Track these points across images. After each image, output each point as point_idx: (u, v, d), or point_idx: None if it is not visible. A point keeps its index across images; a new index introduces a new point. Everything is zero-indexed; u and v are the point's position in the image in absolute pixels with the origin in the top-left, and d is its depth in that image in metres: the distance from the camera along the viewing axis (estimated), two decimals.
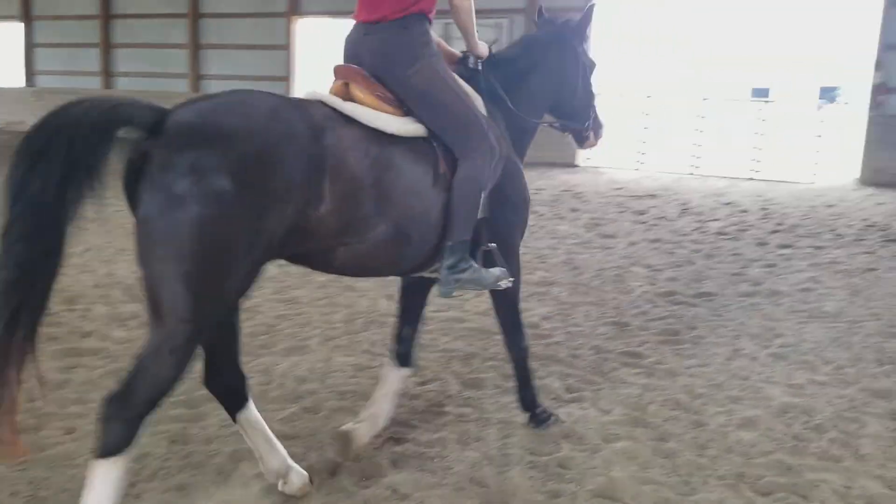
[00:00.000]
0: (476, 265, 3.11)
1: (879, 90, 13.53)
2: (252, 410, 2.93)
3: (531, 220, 9.02)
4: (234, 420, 2.93)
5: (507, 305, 3.55)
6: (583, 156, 15.68)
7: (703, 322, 5.45)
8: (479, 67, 3.42)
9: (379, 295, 6.03)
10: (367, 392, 3.93)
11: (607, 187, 12.85)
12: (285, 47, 18.04)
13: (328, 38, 18.89)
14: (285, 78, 18.14)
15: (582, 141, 3.93)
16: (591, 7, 3.72)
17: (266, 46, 18.31)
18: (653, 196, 11.81)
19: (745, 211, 10.57)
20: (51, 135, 2.21)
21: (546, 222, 9.38)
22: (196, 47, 19.13)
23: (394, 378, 3.55)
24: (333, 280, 6.45)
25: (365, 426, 3.32)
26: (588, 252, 7.78)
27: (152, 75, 19.37)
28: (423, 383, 4.16)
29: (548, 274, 6.84)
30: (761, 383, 4.27)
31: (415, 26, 3.05)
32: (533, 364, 3.79)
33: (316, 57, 18.09)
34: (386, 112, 2.93)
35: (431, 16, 3.13)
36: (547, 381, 4.23)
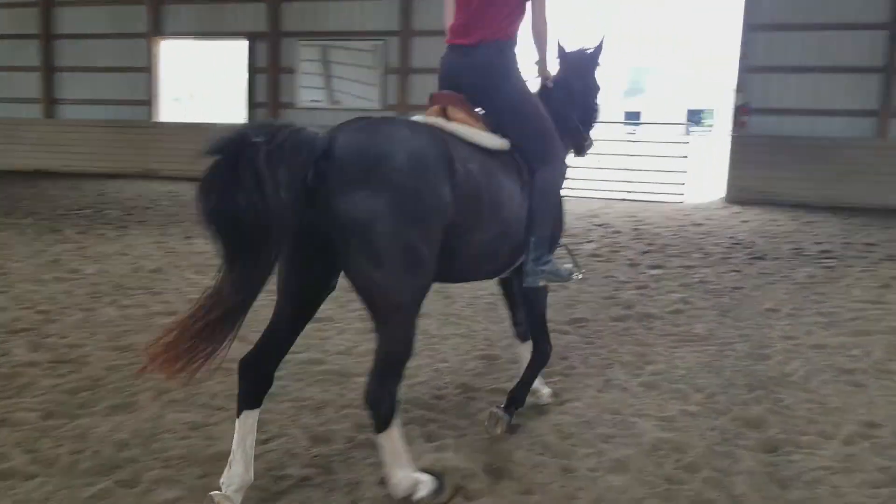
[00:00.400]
0: (554, 258, 3.58)
1: (741, 111, 14.03)
2: (256, 416, 3.03)
3: None
4: (238, 413, 3.00)
5: (537, 308, 3.94)
6: None
7: (574, 351, 5.22)
8: (550, 87, 3.93)
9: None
10: (198, 456, 3.44)
11: None
12: (147, 69, 17.12)
13: (193, 60, 18.19)
14: (147, 102, 17.21)
15: (584, 151, 4.39)
16: (604, 39, 4.13)
17: (127, 69, 17.34)
18: None
19: (617, 232, 10.60)
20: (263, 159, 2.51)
21: None
22: (49, 70, 17.89)
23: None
24: None
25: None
26: None
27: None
28: (265, 441, 3.68)
29: None
30: (633, 417, 4.04)
31: (507, 49, 3.52)
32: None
33: (180, 79, 17.30)
34: (482, 130, 3.34)
35: (517, 40, 3.55)
36: (407, 429, 3.84)
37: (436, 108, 3.40)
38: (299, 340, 3.27)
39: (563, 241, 3.96)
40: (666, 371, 4.78)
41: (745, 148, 13.60)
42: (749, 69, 13.86)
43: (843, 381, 4.53)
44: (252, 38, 16.44)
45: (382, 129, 2.87)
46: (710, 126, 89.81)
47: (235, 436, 2.97)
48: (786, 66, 13.70)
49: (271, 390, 3.11)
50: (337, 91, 16.27)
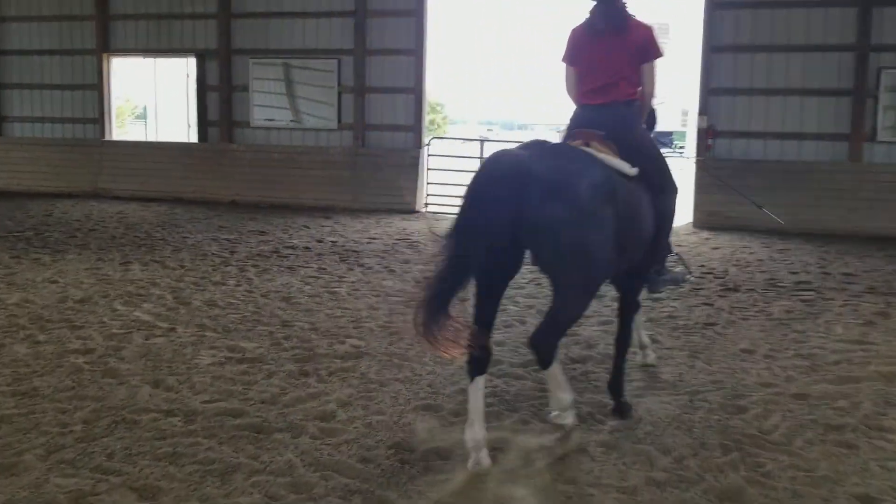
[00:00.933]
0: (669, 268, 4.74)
1: (705, 134, 13.66)
2: (484, 380, 3.84)
3: (355, 276, 7.55)
4: (471, 379, 3.77)
5: (634, 306, 4.72)
6: (421, 202, 15.02)
7: (527, 401, 4.65)
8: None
9: (145, 381, 4.88)
10: None
11: (444, 234, 12.13)
12: (96, 87, 16.38)
13: (142, 78, 17.47)
14: (97, 119, 16.47)
15: None
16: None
17: (75, 86, 16.60)
18: None
19: None
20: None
21: (372, 277, 8.47)
22: None
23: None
24: (95, 361, 5.25)
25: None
26: (411, 313, 6.89)
27: None
28: None
29: (361, 342, 5.89)
30: (590, 488, 3.47)
31: (632, 105, 4.47)
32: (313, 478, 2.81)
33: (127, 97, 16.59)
34: (620, 159, 4.06)
35: (636, 99, 4.51)
36: None
37: (579, 141, 4.20)
38: (221, 385, 4.15)
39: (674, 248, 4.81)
40: (629, 427, 4.22)
41: (712, 171, 13.19)
42: (712, 91, 13.51)
43: (831, 441, 3.99)
44: (202, 55, 15.79)
45: (571, 158, 3.80)
46: (682, 148, 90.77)
47: (470, 399, 3.76)
48: (752, 88, 13.36)
49: (178, 450, 3.52)
50: (292, 110, 15.67)
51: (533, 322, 6.33)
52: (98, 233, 11.37)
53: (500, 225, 3.45)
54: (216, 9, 15.53)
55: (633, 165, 4.05)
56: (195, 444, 3.93)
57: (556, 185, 3.52)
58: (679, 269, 4.64)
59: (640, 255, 4.16)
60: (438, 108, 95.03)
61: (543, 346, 3.76)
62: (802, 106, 13.25)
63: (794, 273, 9.18)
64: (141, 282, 7.92)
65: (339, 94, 15.23)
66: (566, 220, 3.49)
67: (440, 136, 71.10)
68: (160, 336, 5.95)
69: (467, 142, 21.27)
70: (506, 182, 3.45)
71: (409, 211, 14.75)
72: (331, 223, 13.11)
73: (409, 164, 14.95)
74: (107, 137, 16.51)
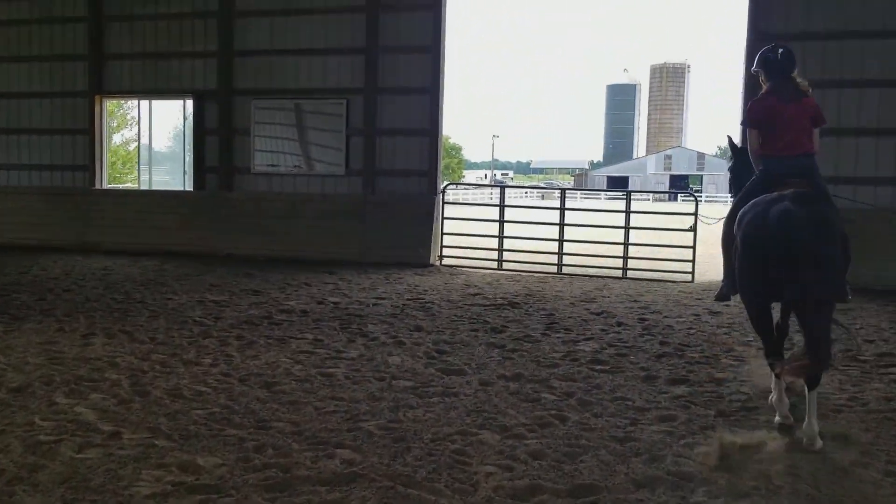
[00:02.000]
0: None
1: None
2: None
3: (356, 350, 7.20)
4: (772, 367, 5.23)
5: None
6: (435, 254, 13.74)
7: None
8: None
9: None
10: None
11: (461, 293, 10.81)
12: (87, 131, 15.30)
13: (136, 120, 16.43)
14: (86, 166, 15.37)
15: None
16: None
17: (65, 130, 15.55)
18: (513, 305, 9.83)
19: (621, 324, 8.72)
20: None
21: (377, 352, 7.13)
22: None
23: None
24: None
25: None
26: (422, 405, 5.53)
27: None
28: None
29: (355, 455, 4.52)
30: None
31: (814, 157, 5.60)
32: None
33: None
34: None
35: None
36: None
37: (791, 190, 5.03)
38: None
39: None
40: None
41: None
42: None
43: None
44: (200, 95, 14.70)
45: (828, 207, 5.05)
46: (698, 191, 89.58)
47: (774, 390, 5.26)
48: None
49: None
50: (296, 154, 14.50)
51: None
52: (71, 294, 10.13)
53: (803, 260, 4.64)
54: (216, 46, 14.50)
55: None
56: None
57: (836, 228, 4.79)
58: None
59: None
60: (453, 153, 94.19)
61: (826, 364, 4.82)
62: (878, 147, 11.92)
63: (869, 341, 7.85)
64: (98, 361, 6.62)
65: (348, 136, 14.10)
66: (839, 254, 4.77)
67: (456, 181, 70.36)
68: (97, 446, 4.60)
69: (481, 187, 20.09)
70: (812, 230, 4.68)
71: (423, 265, 13.47)
72: (334, 280, 11.81)
73: (422, 212, 13.70)
74: (97, 185, 15.39)
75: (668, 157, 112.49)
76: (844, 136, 11.88)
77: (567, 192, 15.22)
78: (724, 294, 5.89)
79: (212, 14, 14.52)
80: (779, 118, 5.57)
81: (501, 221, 13.95)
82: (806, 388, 4.81)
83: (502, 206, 14.31)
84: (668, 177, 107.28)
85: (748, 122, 5.77)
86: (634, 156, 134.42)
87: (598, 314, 9.34)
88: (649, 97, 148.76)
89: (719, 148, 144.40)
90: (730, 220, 5.60)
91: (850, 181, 11.72)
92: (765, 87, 5.77)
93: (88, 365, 6.48)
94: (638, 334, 8.15)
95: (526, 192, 66.01)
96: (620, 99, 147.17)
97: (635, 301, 10.46)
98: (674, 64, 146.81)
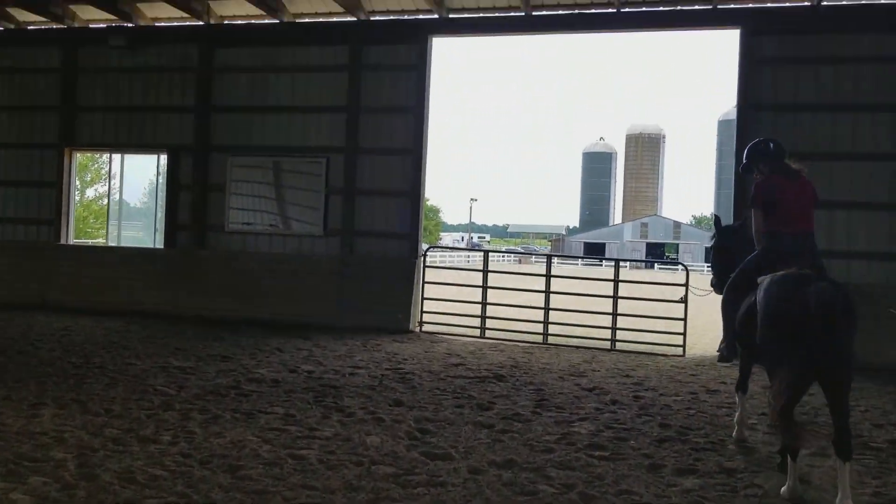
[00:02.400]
0: None
1: None
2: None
3: (330, 428, 6.58)
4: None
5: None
6: (416, 320, 13.18)
7: None
8: None
9: None
10: None
11: (443, 363, 10.23)
12: (54, 184, 14.70)
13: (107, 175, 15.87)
14: (52, 221, 14.71)
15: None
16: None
17: (31, 182, 14.93)
18: (499, 378, 9.25)
19: (616, 402, 8.17)
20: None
21: (353, 430, 6.50)
22: None
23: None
24: None
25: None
26: (406, 497, 4.91)
27: None
28: None
29: None
30: None
31: (814, 234, 6.08)
32: None
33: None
34: None
35: None
36: None
37: (799, 269, 5.35)
38: None
39: None
40: None
41: None
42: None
43: None
44: (176, 150, 14.20)
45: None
46: (674, 259, 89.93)
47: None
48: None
49: None
50: (273, 213, 13.99)
51: None
52: (24, 357, 9.41)
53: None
54: (194, 101, 14.07)
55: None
56: None
57: (851, 306, 4.97)
58: None
59: None
60: (431, 215, 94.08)
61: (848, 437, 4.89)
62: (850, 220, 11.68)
63: (877, 426, 7.41)
64: (45, 436, 5.94)
65: (327, 196, 13.62)
66: (853, 332, 5.04)
67: (433, 243, 70.28)
68: None
69: (461, 251, 19.70)
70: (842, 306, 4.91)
71: (402, 331, 12.88)
72: (309, 345, 11.18)
73: (402, 276, 13.16)
74: (62, 241, 14.72)
75: (645, 224, 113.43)
76: (837, 209, 11.61)
77: (553, 258, 14.77)
78: (724, 357, 6.67)
79: (190, 69, 14.14)
80: (784, 196, 5.98)
81: (485, 287, 13.45)
82: (839, 461, 4.80)
83: (486, 272, 13.83)
84: (644, 244, 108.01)
85: (758, 203, 6.04)
86: (611, 223, 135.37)
87: (589, 390, 8.79)
88: (625, 165, 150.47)
89: (694, 217, 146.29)
90: (731, 290, 6.21)
91: (845, 255, 11.43)
92: (765, 172, 6.24)
93: (33, 441, 5.80)
94: (635, 414, 7.59)
95: (503, 256, 65.74)
96: (597, 166, 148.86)
97: (627, 376, 9.93)
98: (649, 133, 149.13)
